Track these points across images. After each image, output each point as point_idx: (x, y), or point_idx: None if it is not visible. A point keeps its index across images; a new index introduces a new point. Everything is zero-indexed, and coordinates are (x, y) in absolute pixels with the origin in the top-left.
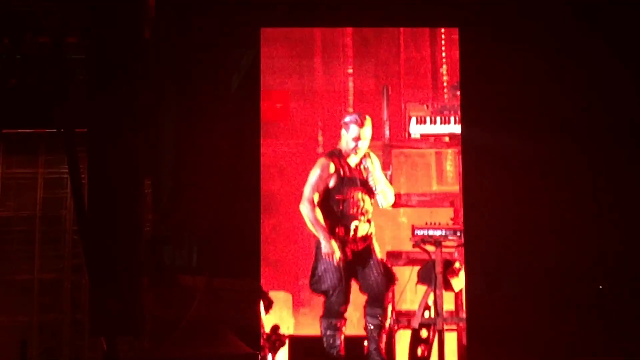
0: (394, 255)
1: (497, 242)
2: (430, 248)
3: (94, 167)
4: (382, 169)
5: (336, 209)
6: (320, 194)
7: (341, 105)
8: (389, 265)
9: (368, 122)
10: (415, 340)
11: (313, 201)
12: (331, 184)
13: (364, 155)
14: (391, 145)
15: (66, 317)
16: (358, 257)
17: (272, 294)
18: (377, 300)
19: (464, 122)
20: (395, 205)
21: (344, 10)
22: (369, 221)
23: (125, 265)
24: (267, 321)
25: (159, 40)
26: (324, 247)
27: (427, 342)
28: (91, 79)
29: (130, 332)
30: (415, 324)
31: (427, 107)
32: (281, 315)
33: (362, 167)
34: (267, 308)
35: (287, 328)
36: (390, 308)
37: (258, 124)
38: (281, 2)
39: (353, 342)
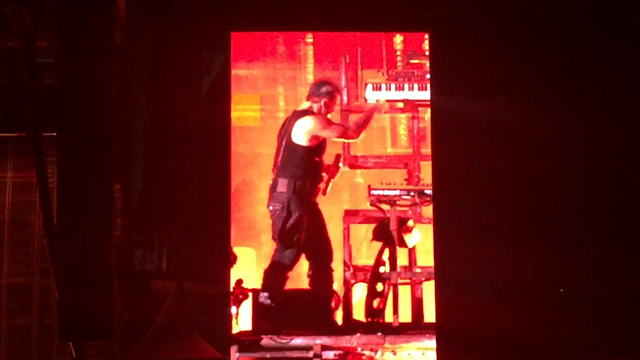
0: (351, 214)
1: (465, 203)
2: (385, 207)
3: (62, 171)
4: None
5: (312, 170)
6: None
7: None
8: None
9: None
10: (372, 294)
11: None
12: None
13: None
14: (349, 110)
15: (35, 321)
16: (313, 215)
17: (236, 249)
18: (322, 262)
19: (433, 87)
20: (352, 166)
21: (312, 14)
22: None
23: (95, 270)
24: (232, 276)
25: (130, 44)
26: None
27: (382, 295)
28: (60, 82)
29: (100, 337)
30: (371, 278)
31: (382, 74)
32: (245, 270)
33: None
34: (231, 263)
35: (250, 283)
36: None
37: (228, 128)
38: (251, 6)
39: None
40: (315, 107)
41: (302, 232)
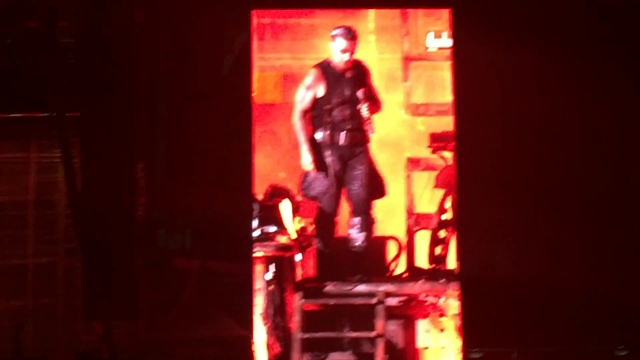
0: (413, 162)
1: (488, 153)
2: (447, 154)
3: (86, 151)
4: (370, 82)
5: (326, 118)
6: (310, 102)
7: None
8: (380, 177)
9: (353, 35)
10: (434, 241)
11: (301, 111)
12: (319, 93)
13: (352, 66)
14: (409, 58)
15: (60, 301)
16: (349, 165)
17: (299, 198)
18: (357, 210)
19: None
20: (414, 113)
21: None
22: (361, 129)
23: (119, 249)
24: (296, 223)
25: (151, 23)
26: (302, 157)
27: (445, 242)
28: (83, 63)
29: (125, 316)
30: (433, 225)
31: (443, 23)
32: (308, 219)
33: (348, 77)
34: (295, 211)
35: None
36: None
37: (250, 107)
38: None
39: None
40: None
41: (332, 180)
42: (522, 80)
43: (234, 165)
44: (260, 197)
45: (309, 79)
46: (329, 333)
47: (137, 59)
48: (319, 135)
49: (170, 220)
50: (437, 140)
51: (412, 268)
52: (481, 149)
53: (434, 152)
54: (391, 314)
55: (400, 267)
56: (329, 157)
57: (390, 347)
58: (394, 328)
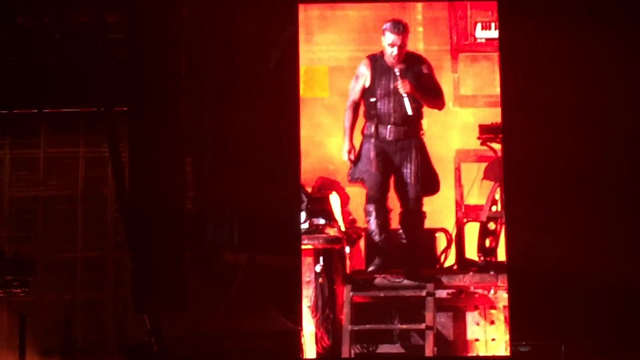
0: (462, 153)
1: (535, 145)
2: (496, 146)
3: (134, 145)
4: (431, 76)
5: (372, 111)
6: (359, 93)
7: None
8: (433, 173)
9: (402, 29)
10: (484, 233)
11: (352, 101)
12: (367, 83)
13: (405, 60)
14: (458, 49)
15: (109, 294)
16: (398, 160)
17: (348, 190)
18: (406, 206)
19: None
20: (462, 105)
21: None
22: (410, 124)
23: (168, 243)
24: (345, 215)
25: (198, 17)
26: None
27: (495, 234)
28: (131, 57)
29: (174, 309)
30: (483, 217)
31: (492, 14)
32: (358, 211)
33: (396, 71)
34: (344, 204)
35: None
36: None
37: (297, 100)
38: None
39: None
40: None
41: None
42: (570, 70)
43: (282, 159)
44: (309, 189)
45: (358, 69)
46: (378, 325)
47: (184, 54)
48: (367, 128)
49: (218, 214)
50: (486, 132)
51: (461, 260)
52: (528, 140)
53: (482, 143)
54: (441, 306)
55: (450, 259)
56: (371, 145)
57: (439, 339)
58: (443, 320)
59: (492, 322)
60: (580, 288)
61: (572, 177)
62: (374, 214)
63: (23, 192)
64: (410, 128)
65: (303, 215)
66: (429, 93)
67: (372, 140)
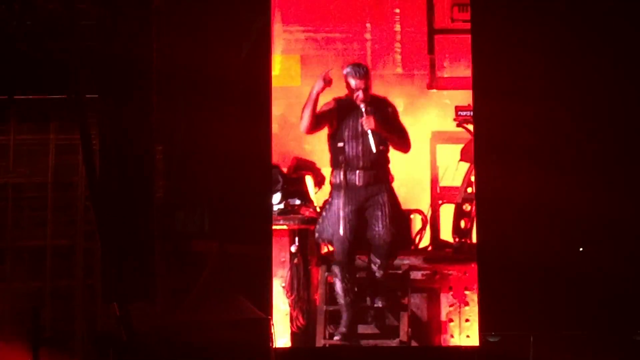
0: (438, 134)
1: (507, 126)
2: (472, 128)
3: (105, 133)
4: (396, 118)
5: (340, 156)
6: (323, 123)
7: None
8: (404, 220)
9: (363, 72)
10: (459, 214)
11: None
12: (331, 126)
13: (371, 102)
14: (434, 31)
15: (79, 283)
16: (368, 207)
17: (324, 170)
18: (377, 251)
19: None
20: (439, 87)
21: None
22: (379, 168)
23: (138, 231)
24: (319, 196)
25: (170, 6)
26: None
27: (470, 216)
28: (102, 45)
29: (143, 298)
30: (458, 198)
31: None
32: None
33: (362, 106)
34: (320, 184)
35: None
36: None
37: (269, 89)
38: None
39: None
40: None
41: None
42: (542, 51)
43: (253, 147)
44: (284, 170)
45: (323, 106)
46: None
47: (156, 42)
48: (335, 177)
49: (188, 202)
50: (462, 114)
51: (436, 241)
52: (500, 121)
53: (459, 125)
54: (415, 287)
55: (424, 241)
56: (340, 202)
57: (414, 320)
58: (418, 301)
59: (467, 304)
60: (551, 275)
61: (545, 158)
62: (339, 276)
63: None
64: (379, 172)
65: (278, 195)
66: (394, 132)
67: (342, 192)
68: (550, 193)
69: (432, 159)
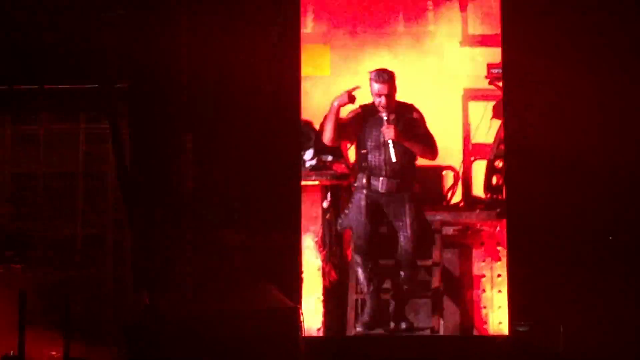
0: (470, 92)
1: (537, 84)
2: None
3: (134, 122)
4: (422, 125)
5: (363, 163)
6: (349, 133)
7: None
8: (427, 229)
9: (386, 77)
10: (491, 170)
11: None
12: (359, 131)
13: (396, 110)
14: None
15: (108, 272)
16: (391, 211)
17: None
18: (400, 263)
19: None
20: (471, 44)
21: None
22: (402, 177)
23: (167, 221)
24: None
25: None
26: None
27: (501, 172)
28: (131, 34)
29: (172, 288)
30: (490, 155)
31: None
32: None
33: (383, 115)
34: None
35: None
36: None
37: (298, 78)
38: None
39: None
40: None
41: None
42: (570, 9)
43: (282, 137)
44: (316, 126)
45: (350, 113)
46: (385, 260)
47: (185, 31)
48: (358, 180)
49: (218, 192)
50: (493, 71)
51: (468, 197)
52: (530, 79)
53: (490, 82)
54: (447, 242)
55: (456, 197)
56: (362, 195)
57: (446, 276)
58: (450, 257)
59: (498, 259)
60: (580, 233)
61: (575, 115)
62: (361, 265)
63: (23, 168)
64: (403, 181)
65: (311, 152)
66: (419, 140)
67: (364, 190)
68: (580, 149)
69: (464, 116)
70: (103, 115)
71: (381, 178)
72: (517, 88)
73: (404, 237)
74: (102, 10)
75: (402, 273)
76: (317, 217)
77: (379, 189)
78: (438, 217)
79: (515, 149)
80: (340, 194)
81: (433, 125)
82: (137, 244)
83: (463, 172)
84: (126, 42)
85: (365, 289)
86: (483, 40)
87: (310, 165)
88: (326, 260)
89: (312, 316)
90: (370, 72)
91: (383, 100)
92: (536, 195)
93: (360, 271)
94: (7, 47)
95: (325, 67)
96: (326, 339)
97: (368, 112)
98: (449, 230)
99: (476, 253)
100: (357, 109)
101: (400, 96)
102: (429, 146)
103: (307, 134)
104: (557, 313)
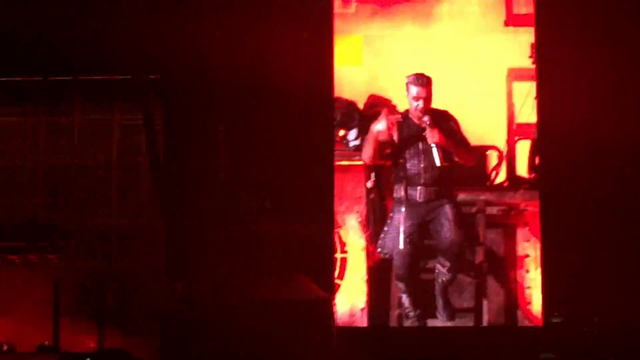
0: (514, 71)
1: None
2: None
3: (168, 113)
4: (459, 130)
5: (401, 172)
6: (387, 147)
7: None
8: (466, 220)
9: (425, 81)
10: (534, 150)
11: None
12: (397, 142)
13: (431, 115)
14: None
15: (143, 262)
16: (429, 219)
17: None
18: (446, 254)
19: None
20: (515, 23)
21: None
22: (441, 183)
23: (201, 211)
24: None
25: None
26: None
27: None
28: (164, 28)
29: (206, 277)
30: (534, 135)
31: None
32: None
33: (426, 119)
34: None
35: None
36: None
37: (331, 70)
38: None
39: None
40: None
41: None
42: None
43: (315, 127)
44: (360, 106)
45: (381, 124)
46: (429, 240)
47: (217, 21)
48: (396, 192)
49: (250, 182)
50: None
51: (512, 177)
52: (564, 58)
53: (534, 62)
54: (491, 222)
55: (500, 177)
56: (400, 216)
57: (490, 255)
58: (494, 236)
59: None
60: (616, 213)
61: (611, 96)
62: (405, 291)
63: (58, 159)
64: (441, 189)
65: (355, 132)
66: (459, 144)
67: (402, 207)
68: (617, 132)
69: (508, 96)
70: (136, 106)
71: (419, 187)
72: (552, 68)
73: (448, 230)
74: (135, 2)
75: (447, 264)
76: (361, 197)
77: (417, 199)
78: (482, 197)
79: (549, 130)
80: (383, 173)
81: (477, 106)
82: (171, 234)
83: (507, 152)
84: (159, 33)
85: (411, 314)
86: (527, 20)
87: (354, 146)
88: (370, 240)
89: (356, 296)
90: (408, 77)
91: (421, 103)
92: (570, 179)
93: (404, 297)
94: (41, 39)
95: (359, 58)
96: (359, 329)
97: (404, 121)
98: (492, 210)
99: (520, 233)
100: (390, 119)
101: (445, 78)
102: (470, 151)
103: (351, 114)
104: (592, 303)
